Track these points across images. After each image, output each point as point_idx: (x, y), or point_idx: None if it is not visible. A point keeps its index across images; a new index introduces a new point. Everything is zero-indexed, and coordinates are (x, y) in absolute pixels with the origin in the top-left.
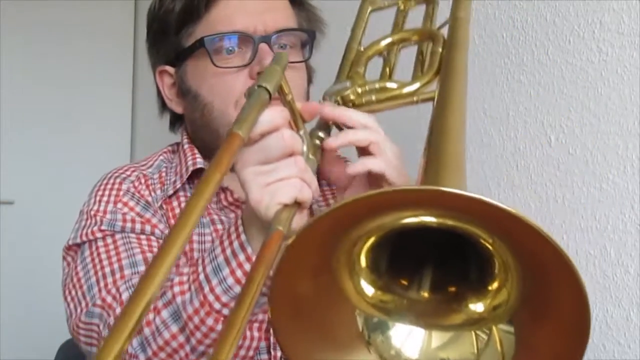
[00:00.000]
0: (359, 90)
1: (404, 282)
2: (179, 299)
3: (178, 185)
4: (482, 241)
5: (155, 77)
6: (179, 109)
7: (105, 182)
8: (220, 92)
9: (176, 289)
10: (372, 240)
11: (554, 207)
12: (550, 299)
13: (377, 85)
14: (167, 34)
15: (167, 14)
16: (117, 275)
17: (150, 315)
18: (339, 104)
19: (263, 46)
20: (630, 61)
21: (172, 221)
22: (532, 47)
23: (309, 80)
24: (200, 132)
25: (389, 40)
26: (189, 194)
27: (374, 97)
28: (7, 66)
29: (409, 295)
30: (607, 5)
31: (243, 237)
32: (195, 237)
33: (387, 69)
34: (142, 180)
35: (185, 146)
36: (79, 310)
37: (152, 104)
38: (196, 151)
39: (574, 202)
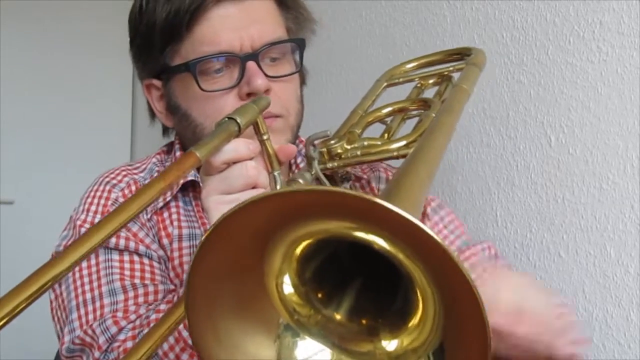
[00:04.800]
0: (347, 146)
1: (325, 298)
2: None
3: (169, 197)
4: (411, 273)
5: (142, 88)
6: (169, 123)
7: (95, 188)
8: (210, 115)
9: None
10: (308, 245)
11: (554, 207)
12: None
13: (365, 142)
14: (151, 50)
15: (149, 30)
16: (97, 304)
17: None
18: (324, 155)
19: (250, 64)
20: (630, 61)
21: (163, 232)
22: (532, 47)
23: (303, 82)
24: None
25: (389, 108)
26: (181, 204)
27: (359, 152)
28: (7, 66)
29: (325, 313)
30: (607, 5)
31: None
32: (186, 251)
33: (387, 134)
34: (133, 188)
35: (177, 153)
36: (61, 339)
37: None
38: None
39: (574, 202)
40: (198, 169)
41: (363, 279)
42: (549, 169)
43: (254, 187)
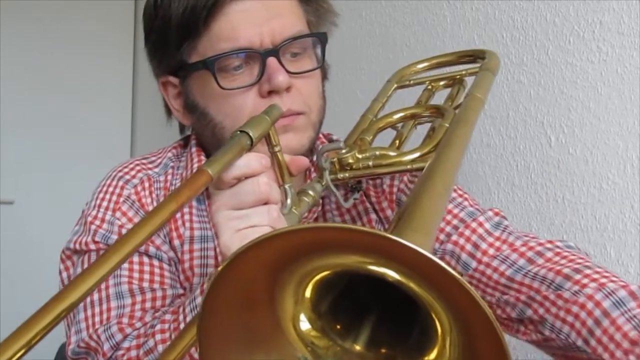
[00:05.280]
0: (359, 155)
1: (342, 329)
2: (160, 348)
3: None
4: (427, 306)
5: (158, 86)
6: (186, 122)
7: (108, 182)
8: (230, 113)
9: (157, 337)
10: (322, 278)
11: (554, 207)
12: None
13: (377, 152)
14: (167, 46)
15: (165, 26)
16: (104, 307)
17: None
18: (335, 166)
19: (271, 60)
20: (630, 61)
21: (174, 233)
22: (532, 47)
23: (324, 77)
24: (212, 149)
25: (401, 114)
26: (194, 202)
27: (371, 163)
28: (7, 66)
29: (343, 344)
30: (607, 5)
31: None
32: (196, 254)
33: (397, 141)
34: (146, 185)
35: (193, 149)
36: (68, 338)
37: (152, 104)
38: (203, 157)
39: (574, 202)
40: None
41: (381, 309)
42: (549, 169)
43: (265, 203)
